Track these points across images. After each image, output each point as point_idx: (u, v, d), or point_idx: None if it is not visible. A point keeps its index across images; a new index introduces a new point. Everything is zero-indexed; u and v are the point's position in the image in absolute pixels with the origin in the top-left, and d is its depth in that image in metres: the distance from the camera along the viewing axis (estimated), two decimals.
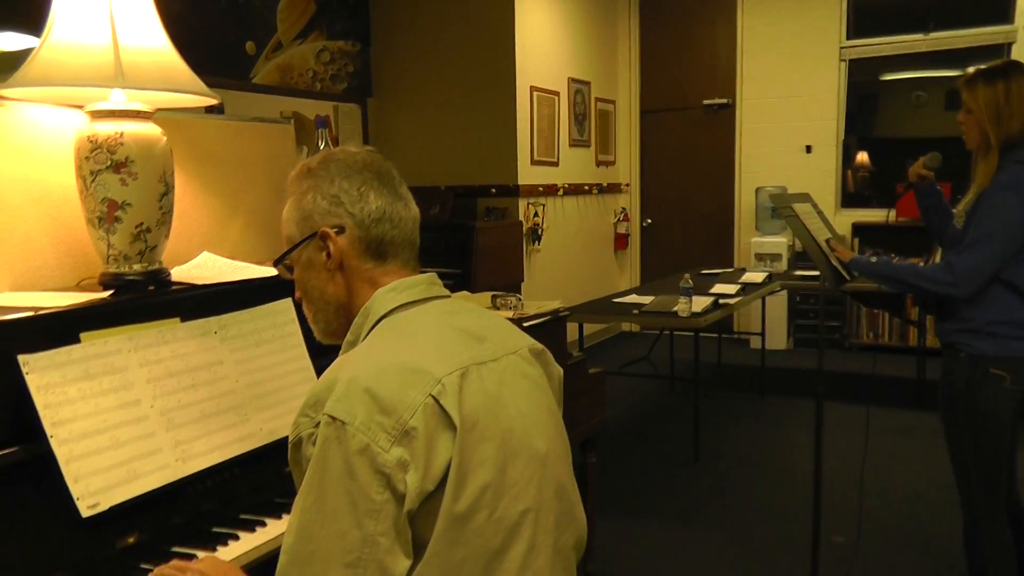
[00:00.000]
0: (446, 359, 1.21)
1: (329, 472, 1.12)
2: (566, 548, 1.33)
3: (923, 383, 5.58)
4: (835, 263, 2.65)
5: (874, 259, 2.60)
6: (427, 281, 1.36)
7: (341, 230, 1.31)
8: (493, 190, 6.16)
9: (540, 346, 1.42)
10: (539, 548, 1.24)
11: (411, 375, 1.16)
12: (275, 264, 1.40)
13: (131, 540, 1.50)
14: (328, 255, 1.32)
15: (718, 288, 4.84)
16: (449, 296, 1.39)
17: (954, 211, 2.54)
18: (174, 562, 1.39)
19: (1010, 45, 6.47)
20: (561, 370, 1.48)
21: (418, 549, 1.14)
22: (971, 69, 2.49)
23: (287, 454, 1.23)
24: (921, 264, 2.63)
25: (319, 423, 1.14)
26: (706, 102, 7.55)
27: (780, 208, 2.66)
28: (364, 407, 1.12)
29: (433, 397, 1.15)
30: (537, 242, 6.43)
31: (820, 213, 2.84)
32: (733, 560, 3.33)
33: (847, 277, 2.66)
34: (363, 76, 6.16)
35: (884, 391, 5.74)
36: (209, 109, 2.13)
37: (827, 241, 2.72)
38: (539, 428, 1.29)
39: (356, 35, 6.04)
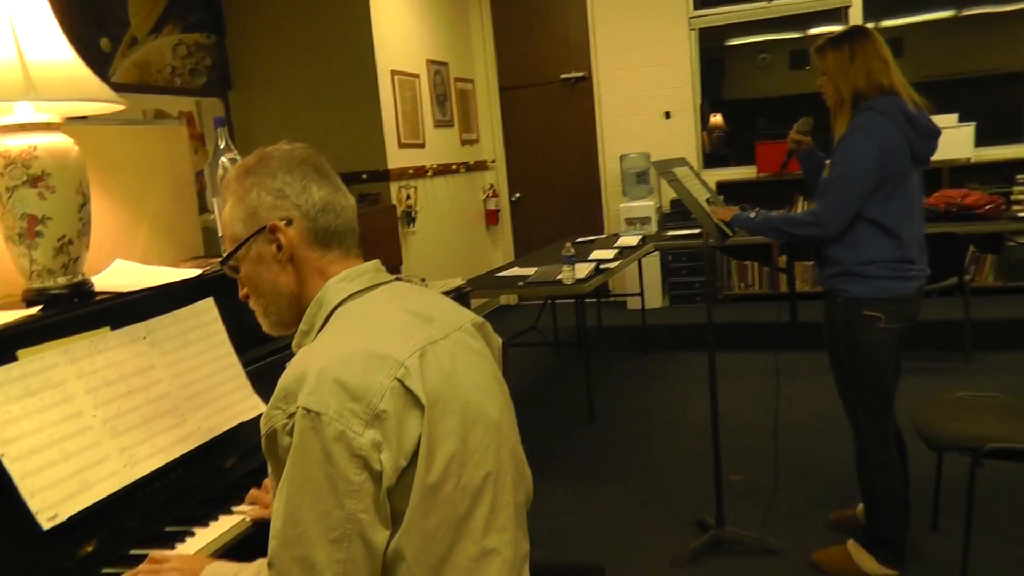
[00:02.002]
0: (404, 342, 1.27)
1: (309, 460, 1.17)
2: (520, 504, 1.45)
3: (796, 325, 5.96)
4: (717, 221, 2.85)
5: (752, 214, 2.80)
6: (374, 268, 1.43)
7: (289, 222, 1.36)
8: (364, 176, 6.15)
9: (480, 319, 1.51)
10: (500, 507, 1.34)
11: (375, 361, 1.22)
12: (222, 263, 1.44)
13: (89, 548, 1.51)
14: (279, 247, 1.36)
15: (597, 254, 5.03)
16: (391, 280, 1.47)
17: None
18: (146, 562, 1.43)
19: (847, 8, 6.85)
20: (500, 340, 1.57)
21: (395, 519, 1.22)
22: (813, 31, 2.73)
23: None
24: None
25: (292, 415, 1.19)
26: (563, 76, 7.74)
27: (663, 173, 2.83)
28: (335, 396, 1.18)
29: (398, 380, 1.21)
30: (412, 224, 6.47)
31: (697, 175, 3.03)
32: (641, 508, 3.52)
33: (729, 233, 2.87)
34: (222, 69, 6.00)
35: (762, 337, 6.08)
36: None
37: (707, 201, 2.91)
38: (490, 397, 1.38)
39: (210, 27, 5.86)
